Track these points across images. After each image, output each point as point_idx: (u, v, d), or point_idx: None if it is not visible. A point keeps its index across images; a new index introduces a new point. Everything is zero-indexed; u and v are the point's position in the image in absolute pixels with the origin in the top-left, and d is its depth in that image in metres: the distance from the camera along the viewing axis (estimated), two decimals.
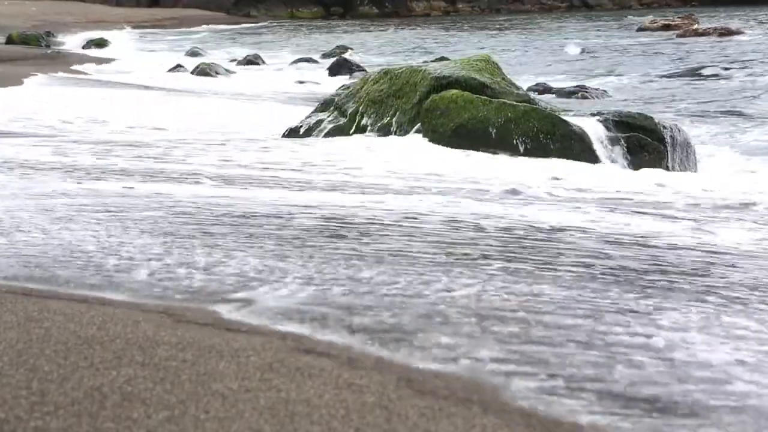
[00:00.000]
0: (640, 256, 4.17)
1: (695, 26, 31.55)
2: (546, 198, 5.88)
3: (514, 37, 34.09)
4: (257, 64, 24.12)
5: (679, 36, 29.36)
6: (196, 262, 3.66)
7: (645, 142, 7.77)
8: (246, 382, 2.34)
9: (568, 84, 16.56)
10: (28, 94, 12.82)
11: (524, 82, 14.55)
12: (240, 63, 24.08)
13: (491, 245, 4.25)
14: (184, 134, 9.21)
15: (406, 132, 8.28)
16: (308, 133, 9.03)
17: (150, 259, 3.69)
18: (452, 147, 7.71)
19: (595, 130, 7.77)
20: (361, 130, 8.69)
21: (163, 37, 40.38)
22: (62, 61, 22.40)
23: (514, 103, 8.00)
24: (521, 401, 2.36)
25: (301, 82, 18.68)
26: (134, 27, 47.71)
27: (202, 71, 19.58)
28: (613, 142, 7.75)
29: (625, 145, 7.75)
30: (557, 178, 6.67)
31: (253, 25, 52.39)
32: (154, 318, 2.91)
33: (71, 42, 33.08)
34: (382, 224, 4.69)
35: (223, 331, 2.80)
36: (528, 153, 7.55)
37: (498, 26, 42.51)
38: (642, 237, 4.65)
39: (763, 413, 2.37)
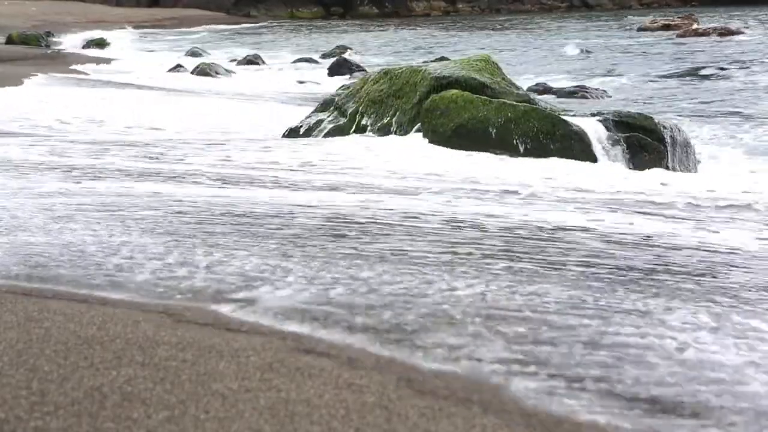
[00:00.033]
0: (644, 256, 4.16)
1: (695, 26, 31.54)
2: (547, 198, 5.88)
3: (514, 37, 34.08)
4: (257, 64, 24.11)
5: (679, 36, 29.35)
6: (196, 262, 3.65)
7: (645, 142, 7.77)
8: (246, 382, 2.34)
9: (568, 84, 16.55)
10: (28, 94, 12.81)
11: (524, 82, 14.55)
12: (240, 63, 24.07)
13: (494, 245, 4.25)
14: (184, 134, 9.21)
15: (406, 132, 8.28)
16: (308, 133, 9.02)
17: (150, 259, 3.68)
18: (452, 147, 7.71)
19: (595, 130, 7.77)
20: (361, 130, 8.69)
21: (163, 37, 40.37)
22: (62, 61, 22.39)
23: (514, 103, 7.99)
24: (525, 401, 2.35)
25: (301, 82, 18.67)
26: (134, 27, 47.70)
27: (202, 71, 19.57)
28: (613, 142, 7.75)
29: (625, 145, 7.74)
30: (557, 178, 6.66)
31: (253, 25, 52.38)
32: (154, 318, 2.91)
33: (71, 42, 33.05)
34: (384, 224, 4.69)
35: (223, 331, 2.80)
36: (528, 153, 7.54)
37: (498, 26, 42.50)
38: (645, 237, 4.65)
39: None
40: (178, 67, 21.04)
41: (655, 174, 7.26)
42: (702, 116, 12.21)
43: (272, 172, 6.49)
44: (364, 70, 19.42)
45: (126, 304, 3.09)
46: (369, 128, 8.64)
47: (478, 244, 4.27)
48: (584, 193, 6.12)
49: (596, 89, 15.63)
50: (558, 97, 14.75)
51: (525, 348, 2.75)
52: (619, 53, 24.71)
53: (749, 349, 2.85)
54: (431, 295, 3.28)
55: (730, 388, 2.51)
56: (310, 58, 25.26)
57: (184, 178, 6.12)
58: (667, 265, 4.02)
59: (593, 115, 8.20)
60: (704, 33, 29.23)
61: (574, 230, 4.74)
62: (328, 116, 9.10)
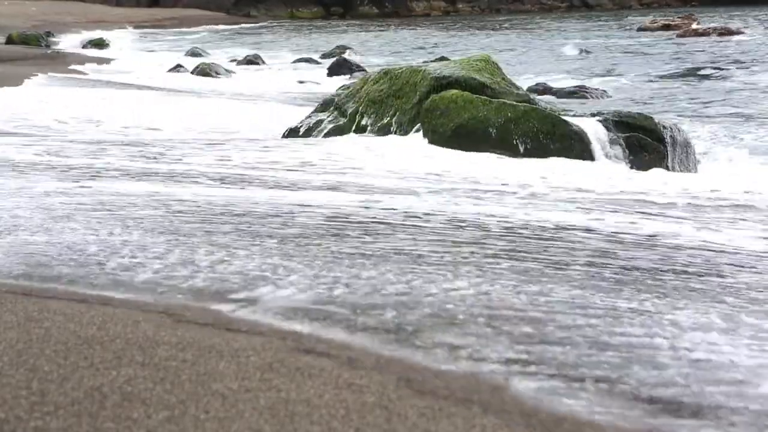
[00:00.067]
0: (648, 256, 4.16)
1: (695, 26, 31.55)
2: (547, 198, 5.88)
3: (514, 37, 34.08)
4: (257, 64, 24.12)
5: (679, 36, 29.36)
6: (196, 261, 3.65)
7: (645, 142, 7.77)
8: (246, 382, 2.34)
9: (568, 84, 16.56)
10: (28, 94, 12.81)
11: (524, 82, 14.55)
12: (240, 63, 24.08)
13: (497, 244, 4.25)
14: (184, 134, 9.21)
15: (406, 132, 8.28)
16: (308, 133, 9.02)
17: (150, 259, 3.68)
18: (452, 147, 7.71)
19: (594, 130, 7.77)
20: (361, 130, 8.69)
21: (163, 37, 40.37)
22: (62, 61, 22.39)
23: (514, 103, 7.99)
24: (526, 402, 2.35)
25: (301, 82, 18.68)
26: (134, 27, 47.70)
27: (202, 71, 19.58)
28: (613, 142, 7.75)
29: (625, 145, 7.74)
30: (558, 178, 6.66)
31: (253, 25, 52.39)
32: (154, 318, 2.91)
33: (71, 42, 33.05)
34: (385, 223, 4.69)
35: (223, 331, 2.80)
36: (528, 153, 7.54)
37: (498, 26, 42.50)
38: (648, 237, 4.65)
39: None
40: (178, 67, 21.04)
41: (656, 174, 7.26)
42: (702, 116, 12.21)
43: (272, 172, 6.49)
44: (364, 70, 19.43)
45: (126, 304, 3.09)
46: (369, 128, 8.64)
47: (481, 243, 4.27)
48: (585, 193, 6.12)
49: (596, 89, 15.64)
50: (558, 97, 14.76)
51: (528, 348, 2.75)
52: (619, 53, 24.72)
53: (761, 351, 2.84)
54: (433, 294, 3.27)
55: (744, 390, 2.50)
56: (310, 58, 25.27)
57: (183, 177, 6.11)
58: (672, 265, 4.01)
59: (593, 115, 8.21)
60: (704, 33, 29.24)
61: (577, 230, 4.74)
62: (328, 116, 9.10)
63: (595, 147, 7.66)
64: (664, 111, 12.33)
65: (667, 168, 7.68)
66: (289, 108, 12.37)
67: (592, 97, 14.83)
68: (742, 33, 29.08)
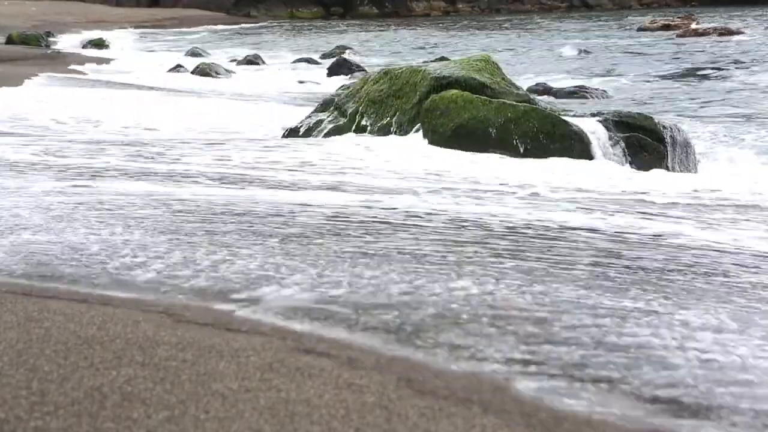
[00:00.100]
0: (653, 256, 4.16)
1: (695, 26, 31.55)
2: (548, 198, 5.88)
3: (514, 37, 34.08)
4: (257, 64, 24.12)
5: (679, 36, 29.36)
6: (197, 261, 3.65)
7: (645, 142, 7.77)
8: (246, 382, 2.34)
9: (568, 84, 16.56)
10: (27, 95, 12.81)
11: (524, 82, 14.55)
12: (240, 63, 24.09)
13: (500, 244, 4.25)
14: (184, 134, 9.20)
15: (406, 132, 8.28)
16: (308, 133, 9.02)
17: (150, 258, 3.68)
18: (452, 147, 7.71)
19: (594, 130, 7.77)
20: (361, 130, 8.69)
21: (163, 37, 40.37)
22: (62, 61, 22.39)
23: (514, 103, 7.99)
24: (527, 402, 2.35)
25: (301, 82, 18.68)
26: (134, 27, 47.70)
27: (202, 71, 19.58)
28: (613, 142, 7.75)
29: (625, 145, 7.74)
30: (558, 178, 6.66)
31: (253, 25, 52.39)
32: (154, 318, 2.91)
33: (71, 42, 33.06)
34: (386, 223, 4.69)
35: (223, 331, 2.80)
36: (528, 153, 7.54)
37: (498, 26, 42.50)
38: (651, 237, 4.64)
39: None
40: (178, 67, 21.05)
41: (656, 174, 7.26)
42: (702, 116, 12.21)
43: (272, 172, 6.49)
44: (363, 70, 19.43)
45: (126, 304, 3.09)
46: (369, 128, 8.64)
47: (484, 243, 4.27)
48: (585, 193, 6.12)
49: (596, 89, 15.64)
50: (558, 97, 14.76)
51: (531, 348, 2.74)
52: (618, 53, 24.72)
53: None
54: (437, 294, 3.27)
55: (755, 391, 2.50)
56: (310, 58, 25.27)
57: (183, 177, 6.11)
58: (677, 265, 4.01)
59: (593, 115, 8.21)
60: (704, 33, 29.25)
61: (579, 230, 4.73)
62: (328, 116, 9.10)
63: (595, 147, 7.66)
64: (664, 111, 12.33)
65: (667, 168, 7.68)
66: (289, 108, 12.37)
67: (592, 97, 14.83)
68: (742, 33, 29.09)
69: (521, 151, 7.57)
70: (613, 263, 3.97)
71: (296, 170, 6.62)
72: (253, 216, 4.73)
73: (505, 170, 6.92)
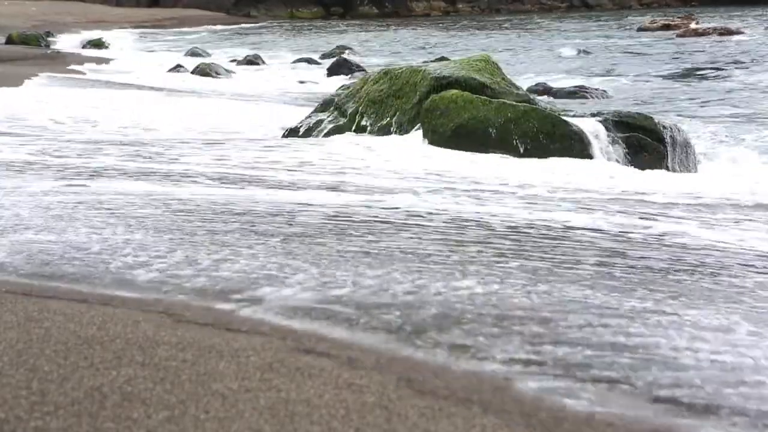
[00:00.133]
0: (657, 256, 4.15)
1: (695, 26, 31.56)
2: (548, 197, 5.88)
3: (514, 37, 34.09)
4: (257, 64, 24.12)
5: (679, 36, 29.37)
6: (197, 261, 3.65)
7: (645, 142, 7.77)
8: (246, 382, 2.34)
9: (568, 84, 16.56)
10: (27, 95, 12.82)
11: (524, 82, 14.55)
12: (240, 63, 24.09)
13: (503, 244, 4.24)
14: (184, 134, 9.20)
15: (406, 132, 8.28)
16: (308, 133, 9.03)
17: (150, 258, 3.68)
18: (452, 147, 7.71)
19: (594, 130, 7.77)
20: (361, 130, 8.69)
21: (163, 37, 40.38)
22: (62, 61, 22.39)
23: (514, 103, 7.99)
24: (527, 402, 2.35)
25: (301, 82, 18.69)
26: (134, 27, 47.70)
27: (202, 71, 19.59)
28: (613, 142, 7.75)
29: (625, 145, 7.75)
30: (558, 178, 6.67)
31: (253, 25, 52.38)
32: (154, 318, 2.91)
33: (71, 42, 33.06)
34: (387, 222, 4.69)
35: (223, 331, 2.80)
36: (528, 153, 7.54)
37: (498, 26, 42.50)
38: (654, 237, 4.64)
39: None
40: (178, 67, 21.05)
41: (656, 174, 7.27)
42: (702, 116, 12.21)
43: (272, 172, 6.49)
44: (363, 70, 19.43)
45: (126, 303, 3.08)
46: (369, 128, 8.64)
47: (487, 243, 4.27)
48: (585, 193, 6.12)
49: (596, 89, 15.65)
50: (558, 97, 14.77)
51: (535, 348, 2.74)
52: (618, 53, 24.72)
53: None
54: (436, 294, 3.27)
55: (764, 392, 2.50)
56: (310, 59, 25.27)
57: (183, 177, 6.11)
58: (682, 265, 4.00)
59: (593, 115, 8.21)
60: (704, 33, 29.25)
61: (581, 230, 4.73)
62: (328, 116, 9.10)
63: (595, 147, 7.66)
64: (664, 111, 12.32)
65: (667, 168, 7.69)
66: (289, 108, 12.38)
67: (592, 97, 14.83)
68: (742, 33, 29.09)
69: (521, 151, 7.57)
70: (617, 263, 3.96)
71: (296, 170, 6.62)
72: (253, 215, 4.72)
73: (505, 170, 6.92)
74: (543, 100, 9.94)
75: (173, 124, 10.03)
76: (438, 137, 7.88)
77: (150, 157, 6.98)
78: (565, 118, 7.89)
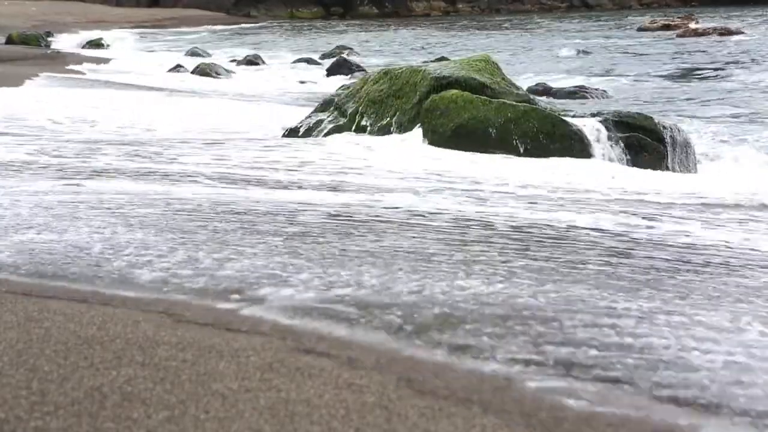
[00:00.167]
0: (662, 256, 4.15)
1: (695, 26, 31.56)
2: (549, 197, 5.88)
3: (514, 37, 34.09)
4: (257, 64, 24.12)
5: (679, 36, 29.38)
6: (198, 260, 3.65)
7: (645, 142, 7.77)
8: (246, 382, 2.34)
9: (568, 84, 16.56)
10: (27, 95, 12.81)
11: (524, 82, 14.56)
12: (240, 63, 24.09)
13: (507, 244, 4.24)
14: (183, 134, 9.20)
15: (406, 132, 8.28)
16: (308, 133, 9.02)
17: (150, 258, 3.68)
18: (452, 147, 7.71)
19: (594, 130, 7.77)
20: (361, 130, 8.69)
21: (163, 37, 40.38)
22: (62, 61, 22.39)
23: (514, 103, 7.99)
24: (527, 402, 2.35)
25: (301, 82, 18.69)
26: (134, 27, 47.71)
27: (202, 71, 19.59)
28: (613, 142, 7.75)
29: (625, 145, 7.75)
30: (559, 178, 6.66)
31: (253, 25, 52.39)
32: (154, 318, 2.91)
33: (71, 42, 33.07)
34: (388, 222, 4.69)
35: (223, 331, 2.80)
36: (528, 153, 7.55)
37: (498, 26, 42.51)
38: (657, 236, 4.63)
39: None
40: (178, 67, 21.05)
41: (656, 174, 7.27)
42: (702, 116, 12.21)
43: (273, 172, 6.49)
44: (363, 70, 19.44)
45: (126, 303, 3.08)
46: (369, 128, 8.64)
47: (490, 242, 4.26)
48: (586, 193, 6.12)
49: (596, 89, 15.65)
50: (558, 97, 14.77)
51: (536, 348, 2.74)
52: (618, 53, 24.73)
53: None
54: (439, 293, 3.26)
55: None
56: (310, 59, 25.27)
57: (183, 177, 6.11)
58: (687, 265, 3.99)
59: (593, 115, 8.21)
60: (704, 33, 29.26)
61: (584, 229, 4.72)
62: (328, 116, 9.10)
63: (595, 147, 7.66)
64: (664, 111, 12.33)
65: (667, 168, 7.69)
66: (289, 108, 12.37)
67: (592, 97, 14.84)
68: (742, 33, 29.10)
69: (521, 151, 7.57)
70: (622, 262, 3.96)
71: (296, 170, 6.62)
72: (254, 215, 4.72)
73: (506, 170, 6.92)
74: (543, 100, 9.94)
75: (173, 124, 10.02)
76: (438, 137, 7.88)
77: (149, 157, 6.98)
78: (565, 118, 7.89)
